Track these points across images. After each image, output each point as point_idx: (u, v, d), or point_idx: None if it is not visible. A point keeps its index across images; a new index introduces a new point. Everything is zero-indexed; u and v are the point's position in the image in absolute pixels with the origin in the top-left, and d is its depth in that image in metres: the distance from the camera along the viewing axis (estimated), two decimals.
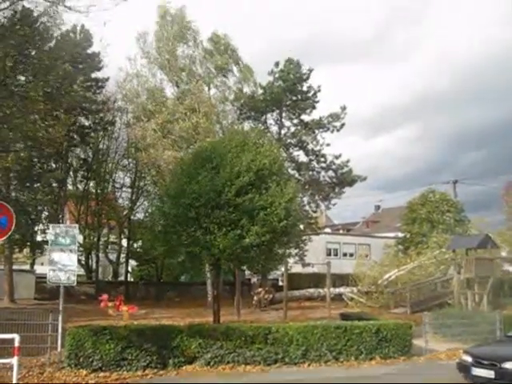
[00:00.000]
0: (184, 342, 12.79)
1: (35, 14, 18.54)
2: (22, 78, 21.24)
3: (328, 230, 56.03)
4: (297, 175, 33.92)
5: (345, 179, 34.57)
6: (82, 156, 37.56)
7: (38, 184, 31.05)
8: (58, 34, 23.92)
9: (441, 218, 33.15)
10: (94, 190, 38.19)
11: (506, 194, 40.90)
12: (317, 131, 34.57)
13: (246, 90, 34.57)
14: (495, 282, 21.74)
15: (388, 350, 14.16)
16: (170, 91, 32.98)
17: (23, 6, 18.24)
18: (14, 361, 9.73)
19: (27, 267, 36.12)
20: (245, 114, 34.31)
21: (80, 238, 32.74)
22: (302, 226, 31.51)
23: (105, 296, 23.84)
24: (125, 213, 38.68)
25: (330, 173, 34.99)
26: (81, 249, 34.54)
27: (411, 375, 12.47)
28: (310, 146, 34.66)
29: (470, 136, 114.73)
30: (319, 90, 34.83)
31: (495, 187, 42.48)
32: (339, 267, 35.38)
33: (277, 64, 35.02)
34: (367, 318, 16.71)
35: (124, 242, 39.97)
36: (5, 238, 12.48)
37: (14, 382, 9.86)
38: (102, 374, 11.90)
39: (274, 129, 35.17)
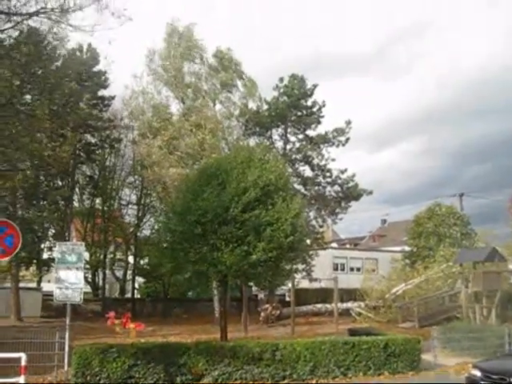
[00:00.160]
0: (191, 359, 12.73)
1: (41, 33, 18.75)
2: (28, 97, 21.42)
3: (335, 244, 55.81)
4: (303, 190, 33.91)
5: (351, 193, 34.53)
6: (89, 173, 37.76)
7: (45, 202, 31.20)
8: (64, 53, 24.16)
9: (447, 232, 33.01)
10: (100, 207, 38.30)
11: (511, 206, 40.65)
12: (322, 146, 34.61)
13: (251, 105, 34.71)
14: (503, 295, 21.53)
15: (397, 365, 14.05)
16: (175, 108, 33.21)
17: (29, 26, 18.46)
18: (21, 380, 9.73)
19: (34, 285, 36.18)
20: (250, 129, 34.40)
21: (86, 256, 32.79)
22: (308, 241, 31.42)
23: (112, 313, 23.67)
24: (131, 230, 38.72)
25: (336, 187, 34.97)
26: (87, 266, 34.60)
27: None
28: (316, 161, 34.68)
29: (473, 149, 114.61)
30: (324, 105, 34.96)
31: (500, 200, 42.23)
32: (346, 282, 35.20)
33: (281, 79, 35.23)
34: (375, 333, 16.59)
35: (130, 259, 39.97)
36: (11, 256, 12.53)
37: None
38: None
39: (280, 144, 35.25)
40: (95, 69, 34.15)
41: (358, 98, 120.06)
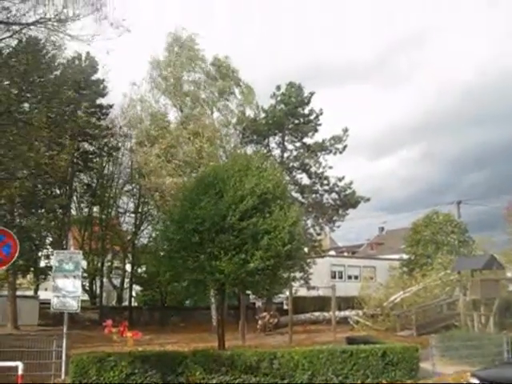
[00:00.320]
0: (189, 368, 12.68)
1: (39, 42, 18.80)
2: (26, 105, 21.44)
3: (332, 252, 55.89)
4: (300, 198, 33.94)
5: (348, 201, 34.54)
6: (86, 181, 37.73)
7: (43, 210, 31.16)
8: (62, 61, 24.20)
9: (445, 239, 33.06)
10: (97, 216, 38.27)
11: (508, 214, 40.71)
12: (319, 154, 34.66)
13: (248, 112, 34.81)
14: (501, 303, 21.55)
15: (395, 373, 13.99)
16: (173, 116, 33.30)
17: (27, 35, 18.51)
18: None
19: (31, 293, 36.06)
20: (247, 137, 34.44)
21: (84, 264, 32.74)
22: (306, 249, 31.41)
23: (109, 322, 23.63)
24: (129, 238, 38.68)
25: (334, 195, 34.96)
26: (85, 274, 34.56)
27: None
28: (313, 169, 34.70)
29: (472, 156, 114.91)
30: (321, 113, 35.05)
31: (498, 207, 42.27)
32: (344, 290, 35.16)
33: (278, 88, 35.33)
34: (373, 341, 16.55)
35: (128, 267, 39.90)
36: (9, 265, 12.49)
37: None
38: None
39: (277, 152, 35.30)
40: (93, 77, 34.22)
41: (358, 105, 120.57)
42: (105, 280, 38.90)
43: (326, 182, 34.72)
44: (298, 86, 35.16)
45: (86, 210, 38.93)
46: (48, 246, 34.65)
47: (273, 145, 35.48)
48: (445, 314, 26.56)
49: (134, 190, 38.12)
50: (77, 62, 32.59)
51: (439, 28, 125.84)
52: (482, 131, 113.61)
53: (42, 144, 21.93)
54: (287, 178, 31.66)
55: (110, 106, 35.37)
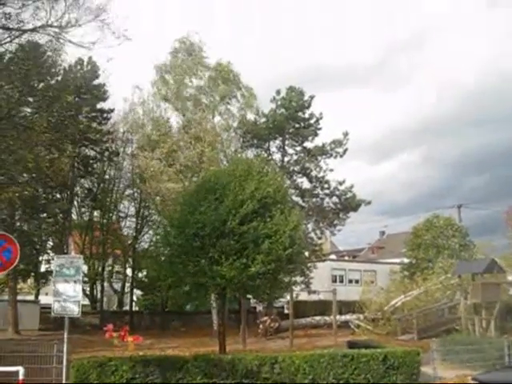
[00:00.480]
0: (189, 372, 12.66)
1: (40, 47, 18.87)
2: (28, 110, 21.49)
3: (333, 256, 55.77)
4: (301, 202, 33.96)
5: (349, 204, 34.54)
6: (87, 186, 37.74)
7: (44, 214, 31.17)
8: (64, 66, 24.25)
9: (446, 243, 33.06)
10: (98, 220, 38.26)
11: (508, 218, 40.74)
12: (320, 158, 34.69)
13: (249, 116, 34.88)
14: (502, 306, 21.54)
15: (396, 377, 13.95)
16: (174, 120, 33.38)
17: (28, 40, 18.57)
18: None
19: (32, 297, 36.04)
20: (248, 141, 34.50)
21: (85, 268, 32.74)
22: (306, 253, 31.41)
23: (110, 326, 23.64)
24: (129, 242, 38.66)
25: (334, 199, 34.97)
26: (85, 279, 34.51)
27: None
28: (314, 173, 34.74)
29: (473, 159, 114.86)
30: (321, 117, 35.13)
31: (498, 211, 42.38)
32: (345, 294, 35.10)
33: (278, 92, 35.43)
34: (374, 345, 16.55)
35: (129, 272, 39.88)
36: (10, 269, 12.49)
37: None
38: None
39: (277, 156, 35.37)
40: (95, 82, 34.25)
41: (358, 109, 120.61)
42: (105, 284, 38.88)
43: (326, 185, 34.73)
44: (298, 90, 35.24)
45: (87, 214, 38.91)
46: (49, 251, 34.67)
47: (273, 149, 35.59)
48: (446, 318, 26.54)
49: (135, 194, 38.13)
50: (79, 66, 32.63)
51: (439, 29, 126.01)
52: (482, 134, 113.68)
53: (42, 148, 21.95)
54: (288, 182, 31.68)
55: (111, 111, 35.41)
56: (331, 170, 34.68)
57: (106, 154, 35.45)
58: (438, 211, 36.82)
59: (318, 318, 32.32)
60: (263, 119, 34.92)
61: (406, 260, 37.46)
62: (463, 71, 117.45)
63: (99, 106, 35.00)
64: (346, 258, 62.69)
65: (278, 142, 35.29)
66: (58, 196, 34.20)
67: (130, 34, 15.72)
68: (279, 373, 13.16)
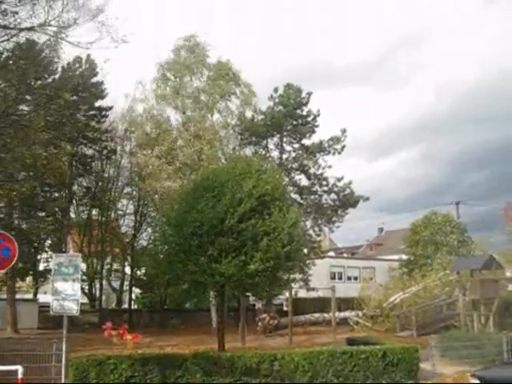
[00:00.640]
0: (189, 370, 12.66)
1: (38, 46, 18.83)
2: (25, 108, 21.45)
3: (332, 253, 55.84)
4: (299, 199, 33.95)
5: (347, 201, 34.52)
6: (85, 184, 37.67)
7: (42, 213, 31.12)
8: (62, 64, 24.25)
9: (444, 240, 33.15)
10: (97, 218, 38.21)
11: (506, 214, 40.84)
12: (318, 155, 34.67)
13: (248, 114, 34.85)
14: (501, 303, 21.57)
15: (395, 374, 13.96)
16: (174, 118, 33.38)
17: (26, 38, 18.54)
18: None
19: (30, 296, 36.01)
20: (246, 139, 34.47)
21: (83, 267, 32.71)
22: (305, 251, 31.42)
23: (108, 324, 23.59)
24: (128, 240, 38.62)
25: (333, 195, 34.93)
26: (84, 277, 34.48)
27: None
28: (312, 170, 34.73)
29: (471, 156, 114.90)
30: (318, 115, 35.09)
31: (497, 207, 42.46)
32: (344, 291, 35.19)
33: (276, 90, 35.39)
34: (373, 342, 16.55)
35: (127, 270, 39.86)
36: (8, 268, 12.47)
37: None
38: None
39: (275, 153, 35.31)
40: (94, 80, 34.13)
41: (357, 107, 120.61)
42: (104, 283, 38.80)
43: (324, 182, 34.72)
44: (295, 87, 35.22)
45: (86, 212, 38.85)
46: (47, 249, 34.66)
47: (271, 146, 35.56)
48: (444, 315, 26.58)
49: (134, 192, 38.08)
50: (77, 64, 32.52)
51: (437, 28, 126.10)
52: (480, 131, 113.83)
53: (40, 147, 21.93)
54: (286, 179, 31.67)
55: (110, 108, 35.32)
56: (330, 167, 34.72)
57: (105, 152, 35.39)
58: (437, 208, 37.04)
59: (316, 315, 32.37)
60: (261, 117, 34.89)
61: (404, 257, 37.57)
62: (461, 69, 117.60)
63: (97, 103, 34.92)
64: (345, 255, 62.80)
65: (275, 139, 35.29)
66: (57, 194, 34.13)
67: (131, 31, 16.00)
68: (278, 370, 13.17)
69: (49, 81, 21.61)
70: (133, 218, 38.50)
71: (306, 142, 35.11)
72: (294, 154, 35.16)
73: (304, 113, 35.12)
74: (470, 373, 12.08)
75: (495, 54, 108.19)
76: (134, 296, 41.80)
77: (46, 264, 33.89)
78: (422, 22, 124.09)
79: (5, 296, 29.79)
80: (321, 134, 35.19)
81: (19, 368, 9.66)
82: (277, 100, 35.15)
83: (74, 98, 30.38)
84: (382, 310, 28.59)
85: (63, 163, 30.33)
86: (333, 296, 25.00)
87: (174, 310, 39.36)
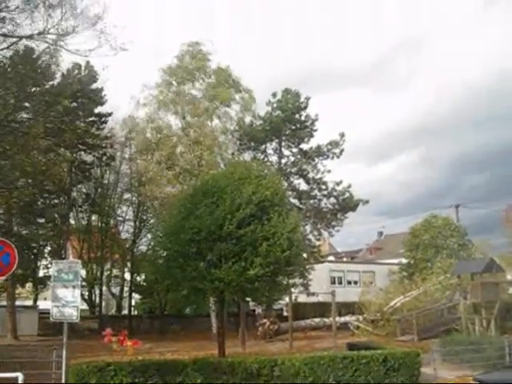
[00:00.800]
0: (189, 376, 12.61)
1: (37, 53, 18.88)
2: (24, 115, 21.47)
3: (331, 258, 55.83)
4: (298, 204, 33.95)
5: (347, 204, 34.52)
6: (85, 191, 37.64)
7: (42, 219, 31.10)
8: (61, 70, 24.24)
9: (444, 243, 33.13)
10: (97, 224, 38.18)
11: (507, 217, 40.85)
12: (317, 159, 34.71)
13: (247, 119, 34.90)
14: (502, 306, 21.54)
15: (396, 379, 13.90)
16: (174, 123, 33.43)
17: (25, 46, 18.57)
18: None
19: (30, 302, 35.93)
20: (245, 144, 34.49)
21: (83, 273, 32.65)
22: (305, 255, 31.40)
23: (108, 331, 23.57)
24: (128, 246, 38.58)
25: (332, 199, 34.97)
26: (84, 283, 34.42)
27: None
28: (311, 175, 34.76)
29: (471, 159, 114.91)
30: (317, 119, 35.18)
31: (497, 210, 42.55)
32: (344, 295, 35.12)
33: (274, 95, 35.47)
34: (374, 347, 16.52)
35: (127, 276, 39.81)
36: (8, 274, 12.43)
37: None
38: None
39: (274, 158, 35.38)
40: (93, 86, 34.13)
41: (357, 110, 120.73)
42: (104, 289, 38.77)
43: (324, 187, 34.74)
44: (294, 92, 35.29)
45: (85, 218, 38.83)
46: (47, 256, 34.59)
47: (270, 151, 35.63)
48: (445, 318, 26.51)
49: (133, 198, 38.06)
50: (76, 71, 32.52)
51: (437, 30, 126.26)
52: (481, 133, 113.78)
53: (39, 153, 21.95)
54: (285, 184, 31.68)
55: (109, 114, 35.33)
56: (329, 172, 34.77)
57: (104, 158, 35.37)
58: (436, 211, 37.00)
59: (317, 319, 32.28)
60: (260, 122, 34.91)
61: (404, 260, 37.51)
62: (461, 70, 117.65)
63: (97, 110, 34.91)
64: (345, 259, 62.74)
65: (274, 144, 35.32)
66: (56, 201, 34.10)
67: (130, 39, 16.13)
68: (279, 375, 13.12)
69: (47, 87, 21.59)
70: (132, 223, 38.51)
71: (304, 146, 35.20)
72: (292, 159, 35.22)
73: (302, 117, 35.16)
74: (471, 377, 12.08)
75: (495, 55, 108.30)
76: (133, 302, 41.77)
77: (45, 270, 33.80)
78: (422, 24, 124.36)
79: (5, 303, 29.74)
80: (319, 138, 35.37)
81: (19, 375, 9.63)
82: (275, 105, 35.20)
83: (74, 104, 30.42)
84: (382, 314, 28.54)
85: (62, 170, 30.36)
86: (333, 300, 24.96)
87: (174, 316, 39.30)
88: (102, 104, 34.95)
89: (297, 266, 17.21)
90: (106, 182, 37.69)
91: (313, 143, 35.03)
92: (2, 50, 17.30)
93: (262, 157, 34.41)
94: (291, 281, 19.55)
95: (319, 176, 34.73)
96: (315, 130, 35.19)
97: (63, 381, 12.77)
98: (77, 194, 37.29)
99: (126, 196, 38.55)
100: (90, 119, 34.01)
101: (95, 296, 39.07)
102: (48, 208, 31.28)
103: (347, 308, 32.86)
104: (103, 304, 39.43)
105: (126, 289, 40.29)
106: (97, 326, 32.55)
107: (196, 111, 32.16)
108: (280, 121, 34.20)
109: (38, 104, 20.09)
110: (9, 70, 18.03)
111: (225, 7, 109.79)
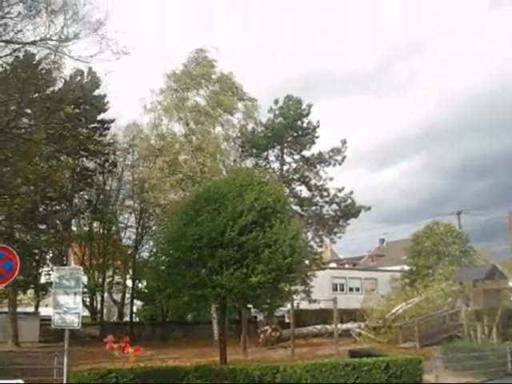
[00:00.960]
0: (191, 383, 12.60)
1: (37, 59, 18.96)
2: (26, 122, 21.51)
3: (333, 264, 55.72)
4: (300, 210, 33.93)
5: (349, 211, 34.46)
6: (87, 197, 37.66)
7: (43, 226, 31.11)
8: (64, 77, 24.29)
9: (446, 250, 33.05)
10: (98, 231, 38.20)
11: (510, 223, 40.73)
12: (318, 166, 34.70)
13: (250, 126, 34.90)
14: (504, 313, 21.47)
15: None
16: (177, 129, 33.48)
17: (25, 51, 18.64)
18: None
19: (31, 309, 35.91)
20: (247, 151, 34.52)
21: (84, 279, 32.65)
22: (307, 262, 31.35)
23: (110, 337, 23.47)
24: (129, 252, 38.57)
25: (334, 206, 34.91)
26: (85, 290, 34.42)
27: None
28: (313, 181, 34.76)
29: (474, 165, 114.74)
30: (318, 126, 35.19)
31: (499, 217, 42.43)
32: (346, 302, 35.04)
33: (276, 101, 35.49)
34: (376, 354, 16.47)
35: (129, 282, 39.77)
36: (10, 281, 12.44)
37: None
38: None
39: (276, 165, 35.37)
40: (95, 92, 34.20)
41: (358, 116, 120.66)
42: (106, 295, 38.74)
43: (325, 193, 34.71)
44: (295, 99, 35.34)
45: (87, 225, 38.85)
46: (48, 262, 34.56)
47: (272, 158, 35.61)
48: (447, 325, 26.42)
49: (135, 204, 38.07)
50: (78, 77, 32.58)
51: (438, 35, 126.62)
52: (483, 139, 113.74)
53: (41, 160, 21.98)
54: (286, 190, 31.66)
55: (112, 121, 35.39)
56: (331, 179, 34.70)
57: (106, 165, 35.40)
58: (438, 218, 36.89)
59: (319, 326, 32.23)
60: (262, 128, 34.94)
61: (406, 267, 37.43)
62: (463, 76, 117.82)
63: (100, 117, 34.96)
64: (346, 266, 62.62)
65: (276, 150, 35.33)
66: (58, 207, 34.12)
67: (132, 45, 16.04)
68: (281, 382, 13.11)
69: (49, 93, 21.63)
70: (134, 230, 38.50)
71: (306, 153, 35.18)
72: (294, 166, 35.22)
73: (304, 124, 35.19)
74: None
75: (497, 60, 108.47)
76: (135, 309, 41.68)
77: (47, 277, 33.77)
78: (423, 29, 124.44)
79: (6, 309, 29.72)
80: (321, 145, 35.38)
81: (20, 382, 9.63)
82: (277, 112, 35.24)
83: (76, 110, 30.48)
84: (384, 321, 28.44)
85: (64, 176, 30.39)
86: (335, 307, 24.91)
87: (176, 323, 39.24)
88: (104, 110, 35.00)
89: (299, 272, 17.24)
90: (108, 188, 37.72)
91: (315, 150, 35.07)
92: (4, 56, 17.36)
93: (263, 163, 34.43)
94: (293, 288, 19.56)
95: (321, 183, 34.73)
96: (317, 137, 35.23)
97: None
98: (79, 201, 37.28)
99: (128, 203, 38.59)
100: (93, 125, 34.06)
101: (97, 302, 39.05)
102: (50, 214, 31.27)
103: (349, 315, 32.76)
104: (105, 311, 39.38)
105: (127, 295, 40.23)
106: (98, 333, 32.48)
107: (199, 118, 32.22)
108: (282, 127, 34.22)
109: (40, 110, 20.11)
110: (10, 76, 18.09)
111: (225, 14, 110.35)
